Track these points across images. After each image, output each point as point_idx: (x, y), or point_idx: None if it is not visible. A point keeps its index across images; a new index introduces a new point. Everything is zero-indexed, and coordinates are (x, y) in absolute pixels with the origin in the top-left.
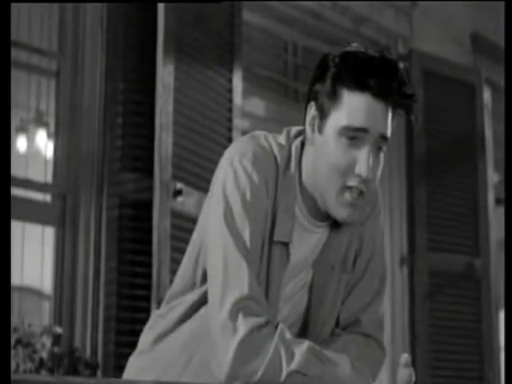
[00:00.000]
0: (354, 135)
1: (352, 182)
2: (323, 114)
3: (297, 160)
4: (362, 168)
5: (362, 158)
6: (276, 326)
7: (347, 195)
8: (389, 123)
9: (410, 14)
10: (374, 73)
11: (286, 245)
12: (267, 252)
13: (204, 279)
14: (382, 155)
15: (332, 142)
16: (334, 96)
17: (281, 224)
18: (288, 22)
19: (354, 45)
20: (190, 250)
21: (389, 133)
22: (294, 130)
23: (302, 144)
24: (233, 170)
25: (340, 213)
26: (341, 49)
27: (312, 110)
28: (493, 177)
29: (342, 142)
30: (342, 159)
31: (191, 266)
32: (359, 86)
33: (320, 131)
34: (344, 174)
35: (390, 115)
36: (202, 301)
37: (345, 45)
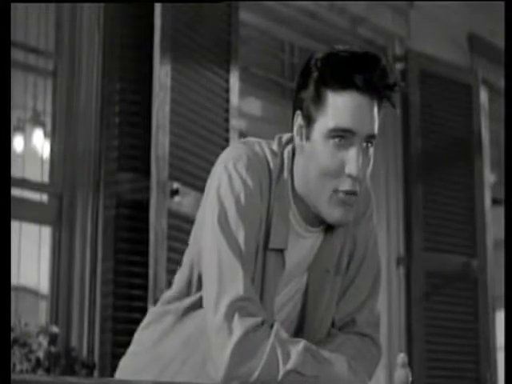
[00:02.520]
0: (341, 135)
1: (344, 186)
2: (310, 121)
3: (289, 167)
4: (351, 168)
5: (351, 157)
6: (271, 326)
7: (340, 195)
8: (375, 118)
9: (407, 15)
10: (355, 68)
11: (281, 251)
12: (262, 259)
13: (200, 285)
14: (371, 150)
15: (320, 146)
16: (318, 100)
17: (276, 231)
18: (285, 22)
19: (336, 47)
20: (187, 256)
21: (376, 129)
22: (286, 136)
23: (293, 151)
24: (227, 175)
25: (333, 214)
26: (319, 58)
27: (298, 119)
28: (489, 177)
29: (329, 144)
30: (331, 161)
31: (187, 272)
32: (343, 84)
33: (308, 138)
34: (335, 176)
35: (376, 109)
36: (199, 304)
37: (329, 48)
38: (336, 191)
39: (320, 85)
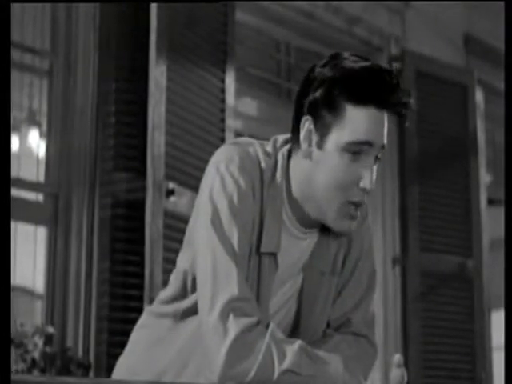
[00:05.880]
0: (358, 149)
1: (356, 197)
2: (324, 130)
3: (283, 168)
4: (366, 183)
5: (367, 172)
6: (267, 326)
7: (349, 208)
8: (386, 130)
9: (402, 15)
10: (376, 86)
11: (274, 255)
12: (256, 262)
13: (195, 287)
14: (377, 163)
15: (335, 158)
16: (335, 111)
17: (268, 234)
18: (281, 22)
19: (345, 55)
20: (181, 256)
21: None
22: (281, 138)
23: (289, 152)
24: (220, 176)
25: (341, 226)
26: (332, 64)
27: (307, 125)
28: (485, 177)
29: (345, 157)
30: (345, 175)
31: (182, 273)
32: (363, 100)
33: (319, 147)
34: (347, 189)
35: (386, 122)
36: (195, 308)
37: (332, 55)
38: (346, 202)
39: (338, 97)
